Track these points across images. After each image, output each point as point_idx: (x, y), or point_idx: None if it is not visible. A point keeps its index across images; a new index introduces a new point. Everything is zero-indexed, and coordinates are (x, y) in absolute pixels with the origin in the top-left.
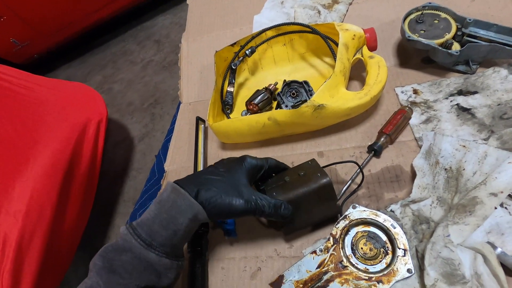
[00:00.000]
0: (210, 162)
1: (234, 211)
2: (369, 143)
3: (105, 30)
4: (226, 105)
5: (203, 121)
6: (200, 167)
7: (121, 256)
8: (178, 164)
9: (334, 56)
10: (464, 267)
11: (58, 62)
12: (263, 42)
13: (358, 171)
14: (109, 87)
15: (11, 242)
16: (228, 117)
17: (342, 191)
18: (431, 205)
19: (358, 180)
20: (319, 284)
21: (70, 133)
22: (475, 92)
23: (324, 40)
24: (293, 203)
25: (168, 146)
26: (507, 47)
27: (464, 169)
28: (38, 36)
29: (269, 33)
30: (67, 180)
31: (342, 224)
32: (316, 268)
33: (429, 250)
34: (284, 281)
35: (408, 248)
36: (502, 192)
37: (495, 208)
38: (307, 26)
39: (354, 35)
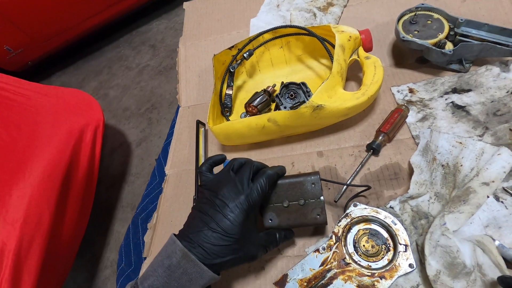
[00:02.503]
0: None
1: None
2: (368, 142)
3: (100, 36)
4: (225, 108)
5: (203, 124)
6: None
7: None
8: (179, 167)
9: (331, 57)
10: (464, 255)
11: (52, 69)
12: (260, 45)
13: (358, 170)
14: (105, 93)
15: (9, 251)
16: (228, 120)
17: (342, 191)
18: (429, 200)
19: (357, 179)
20: (322, 281)
21: (67, 139)
22: (469, 90)
23: (320, 42)
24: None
25: (168, 149)
26: (498, 46)
27: (461, 165)
28: (32, 43)
29: (266, 36)
30: (65, 187)
31: (344, 222)
32: (320, 266)
33: (428, 240)
34: (288, 280)
35: (409, 244)
36: (493, 181)
37: (488, 196)
38: (304, 28)
39: (350, 36)
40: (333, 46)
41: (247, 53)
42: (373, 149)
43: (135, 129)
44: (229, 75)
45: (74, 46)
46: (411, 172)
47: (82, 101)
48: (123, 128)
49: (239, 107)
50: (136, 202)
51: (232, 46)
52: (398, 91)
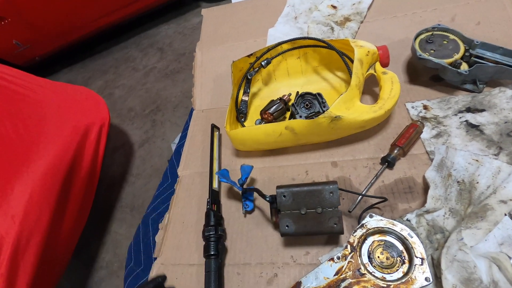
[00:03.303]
0: (224, 167)
1: None
2: (382, 155)
3: (108, 36)
4: (240, 114)
5: (218, 128)
6: (215, 174)
7: None
8: (192, 169)
9: (349, 71)
10: (481, 271)
11: (59, 66)
12: (278, 55)
13: (373, 181)
14: (110, 92)
15: (7, 246)
16: (243, 125)
17: (357, 201)
18: (444, 215)
19: (372, 191)
20: None
21: (72, 136)
22: (482, 110)
23: (339, 55)
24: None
25: (181, 151)
26: None
27: (477, 183)
28: (41, 39)
29: (285, 46)
30: (67, 184)
31: (359, 232)
32: (334, 275)
33: (445, 254)
34: (301, 287)
35: (425, 257)
36: (511, 199)
37: (505, 214)
38: (323, 41)
39: (368, 51)
40: (351, 60)
41: (265, 61)
42: (388, 162)
43: (139, 130)
44: (246, 81)
45: (82, 44)
46: (425, 186)
47: (89, 99)
48: (126, 128)
49: (253, 113)
50: (136, 203)
51: (251, 54)
52: (413, 107)
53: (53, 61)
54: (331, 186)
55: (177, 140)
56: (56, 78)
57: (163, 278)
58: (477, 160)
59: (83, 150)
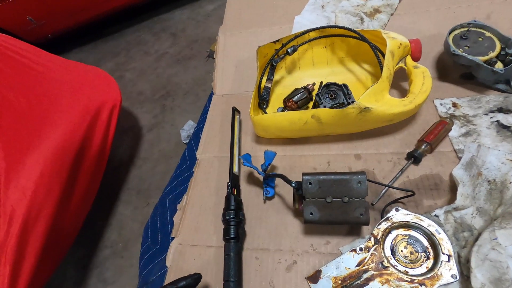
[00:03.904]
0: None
1: None
2: (407, 151)
3: (121, 18)
4: (262, 100)
5: (239, 112)
6: (236, 158)
7: None
8: (211, 153)
9: (379, 62)
10: None
11: (70, 45)
12: (305, 42)
13: (398, 176)
14: (121, 75)
15: (17, 218)
16: (265, 112)
17: (380, 194)
18: (471, 214)
19: (396, 186)
20: (358, 281)
21: (84, 115)
22: None
23: (370, 46)
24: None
25: (200, 135)
26: None
27: (510, 183)
28: (54, 17)
29: (312, 34)
30: (77, 162)
31: (384, 225)
32: (356, 266)
33: (475, 252)
34: (321, 276)
35: (452, 254)
36: None
37: None
38: (354, 31)
39: (401, 44)
40: (381, 51)
41: (291, 48)
42: (415, 157)
43: (148, 114)
44: (270, 68)
45: (94, 25)
46: (452, 184)
47: (101, 79)
48: (135, 112)
49: (274, 101)
50: (142, 186)
51: (277, 40)
52: (441, 104)
53: (65, 40)
54: (359, 176)
55: (186, 126)
56: (68, 57)
57: (198, 275)
58: (511, 160)
59: (94, 129)
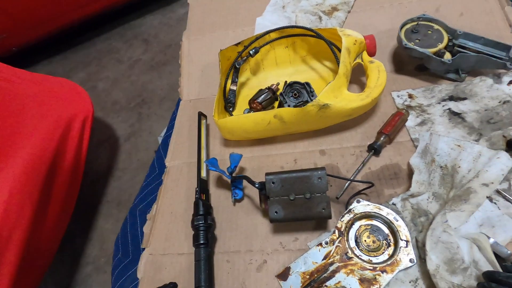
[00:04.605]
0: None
1: None
2: (369, 143)
3: (90, 27)
4: (228, 103)
5: (205, 116)
6: (203, 163)
7: None
8: (180, 160)
9: (337, 59)
10: (463, 251)
11: (38, 57)
12: (266, 43)
13: (360, 168)
14: (93, 85)
15: None
16: (231, 115)
17: (344, 188)
18: (427, 199)
19: (359, 178)
20: (325, 275)
21: (53, 129)
22: (464, 98)
23: (327, 44)
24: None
25: (168, 142)
26: (492, 58)
27: (459, 167)
28: (18, 29)
29: (273, 35)
30: (49, 178)
31: (347, 217)
32: (322, 260)
33: (429, 236)
34: (290, 272)
35: (410, 239)
36: (492, 183)
37: (487, 197)
38: (311, 30)
39: (356, 40)
40: (339, 49)
41: (253, 50)
42: (375, 149)
43: (124, 123)
44: (234, 71)
45: (62, 35)
46: (410, 172)
47: (70, 90)
48: (111, 122)
49: (241, 103)
50: (122, 198)
51: (239, 43)
52: (398, 96)
53: (32, 53)
54: (319, 172)
55: (163, 133)
56: (35, 70)
57: (174, 285)
58: (459, 146)
59: (66, 143)
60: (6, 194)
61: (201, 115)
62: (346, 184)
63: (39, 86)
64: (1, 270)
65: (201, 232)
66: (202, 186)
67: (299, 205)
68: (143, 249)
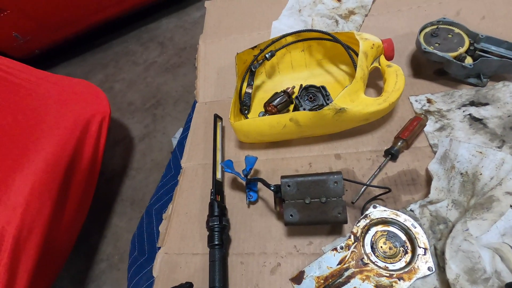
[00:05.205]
0: (228, 159)
1: None
2: (385, 148)
3: (108, 30)
4: (244, 106)
5: (221, 118)
6: (218, 165)
7: None
8: (195, 161)
9: (354, 63)
10: (484, 261)
11: (58, 59)
12: (282, 47)
13: (376, 173)
14: (110, 86)
15: (8, 236)
16: (246, 117)
17: (360, 192)
18: (447, 207)
19: (375, 183)
20: (340, 280)
21: (72, 128)
22: (486, 104)
23: (344, 48)
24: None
25: (184, 143)
26: None
27: (481, 174)
28: (41, 32)
29: (289, 39)
30: (68, 176)
31: (363, 223)
32: (337, 265)
33: (449, 244)
34: (304, 276)
35: (428, 247)
36: None
37: (511, 206)
38: (328, 34)
39: (373, 44)
40: (356, 52)
41: (269, 53)
42: (392, 154)
43: (139, 124)
44: (250, 74)
45: (81, 38)
46: (428, 179)
47: (89, 92)
48: (126, 122)
49: (256, 106)
50: (136, 197)
51: (255, 46)
52: (416, 101)
53: (52, 55)
54: (335, 176)
55: (177, 134)
56: (55, 71)
57: (190, 285)
58: (480, 152)
59: (84, 142)
60: (28, 190)
61: (217, 117)
62: (362, 189)
63: (60, 87)
64: (21, 263)
65: (216, 233)
66: (217, 188)
67: (315, 209)
68: (159, 248)
